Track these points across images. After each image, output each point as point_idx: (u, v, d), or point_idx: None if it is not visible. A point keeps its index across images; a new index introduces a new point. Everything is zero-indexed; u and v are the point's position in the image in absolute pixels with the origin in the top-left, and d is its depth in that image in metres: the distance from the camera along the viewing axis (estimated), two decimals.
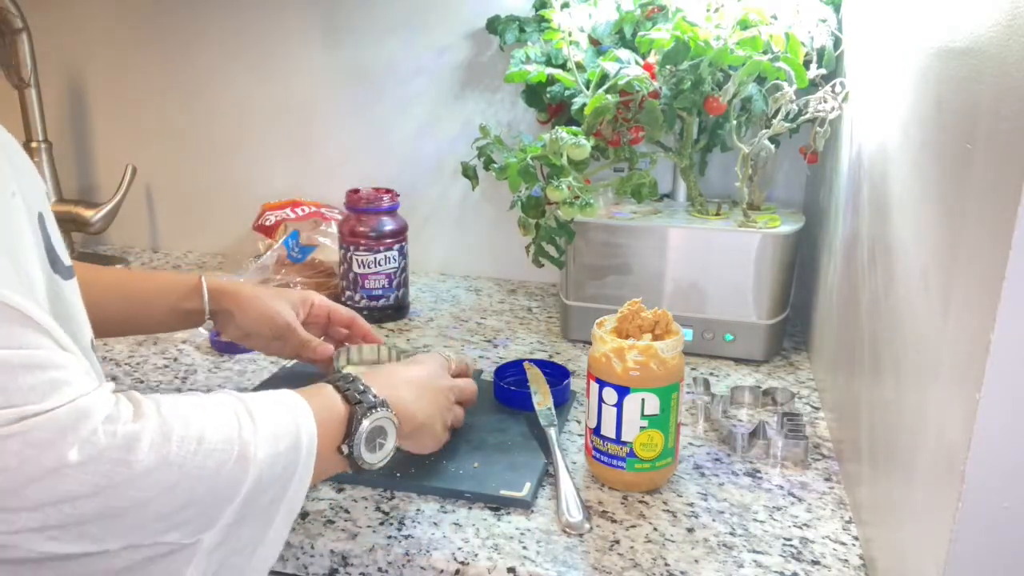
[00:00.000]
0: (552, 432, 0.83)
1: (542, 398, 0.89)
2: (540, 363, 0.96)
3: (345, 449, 0.62)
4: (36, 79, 1.33)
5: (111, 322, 0.83)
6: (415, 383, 0.74)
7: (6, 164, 0.49)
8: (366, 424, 0.63)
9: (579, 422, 0.89)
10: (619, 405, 0.74)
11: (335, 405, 0.63)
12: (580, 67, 1.02)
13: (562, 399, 0.91)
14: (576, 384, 0.96)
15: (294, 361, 0.99)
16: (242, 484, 0.53)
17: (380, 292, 1.16)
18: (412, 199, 1.32)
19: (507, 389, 0.91)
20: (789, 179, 1.22)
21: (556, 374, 0.95)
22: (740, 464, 0.82)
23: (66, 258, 0.56)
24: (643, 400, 0.73)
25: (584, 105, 0.96)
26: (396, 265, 1.16)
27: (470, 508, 0.74)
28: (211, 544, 0.53)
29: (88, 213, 1.33)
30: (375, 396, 0.65)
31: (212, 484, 0.51)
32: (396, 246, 1.16)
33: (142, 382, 0.98)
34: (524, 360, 0.96)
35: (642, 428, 0.74)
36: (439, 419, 0.76)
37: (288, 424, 0.57)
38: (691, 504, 0.75)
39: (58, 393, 0.46)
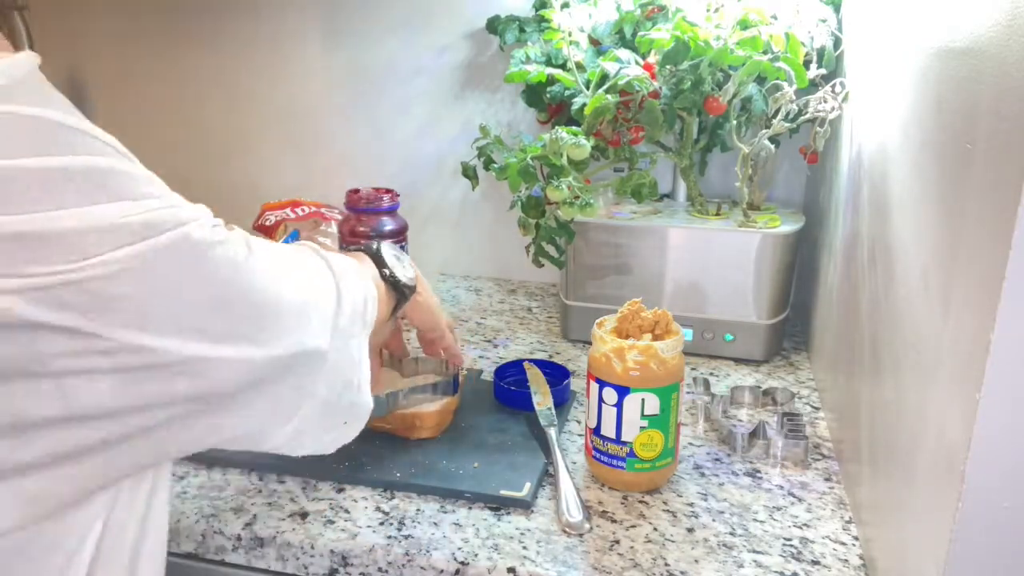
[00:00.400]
0: (552, 432, 0.83)
1: (542, 398, 0.89)
2: (540, 363, 0.96)
3: (387, 272, 0.72)
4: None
5: None
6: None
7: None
8: (386, 248, 0.74)
9: (579, 422, 0.89)
10: (619, 405, 0.74)
11: (357, 254, 0.72)
12: (580, 67, 1.02)
13: (562, 399, 0.91)
14: (576, 384, 0.96)
15: None
16: (340, 296, 0.60)
17: None
18: (412, 199, 1.32)
19: (507, 389, 0.91)
20: (789, 179, 1.21)
21: (556, 374, 0.95)
22: (740, 464, 0.82)
23: None
24: (643, 400, 0.73)
25: (584, 105, 0.95)
26: None
27: (470, 508, 0.74)
28: (330, 351, 0.57)
29: None
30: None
31: (319, 291, 0.58)
32: (396, 246, 1.16)
33: None
34: (524, 360, 0.96)
35: (642, 428, 0.74)
36: (442, 314, 0.82)
37: (345, 257, 0.66)
38: (691, 504, 0.75)
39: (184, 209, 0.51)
